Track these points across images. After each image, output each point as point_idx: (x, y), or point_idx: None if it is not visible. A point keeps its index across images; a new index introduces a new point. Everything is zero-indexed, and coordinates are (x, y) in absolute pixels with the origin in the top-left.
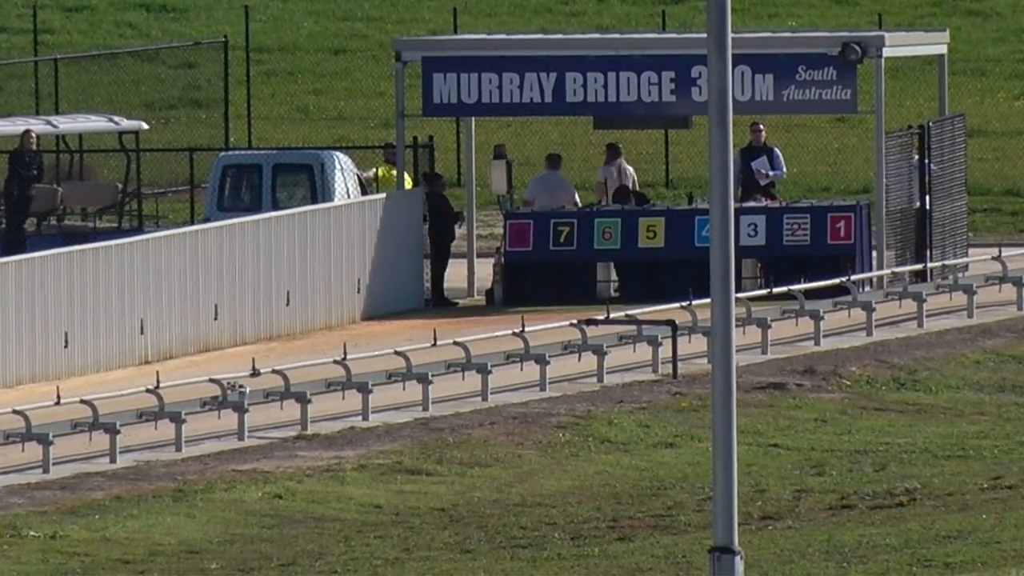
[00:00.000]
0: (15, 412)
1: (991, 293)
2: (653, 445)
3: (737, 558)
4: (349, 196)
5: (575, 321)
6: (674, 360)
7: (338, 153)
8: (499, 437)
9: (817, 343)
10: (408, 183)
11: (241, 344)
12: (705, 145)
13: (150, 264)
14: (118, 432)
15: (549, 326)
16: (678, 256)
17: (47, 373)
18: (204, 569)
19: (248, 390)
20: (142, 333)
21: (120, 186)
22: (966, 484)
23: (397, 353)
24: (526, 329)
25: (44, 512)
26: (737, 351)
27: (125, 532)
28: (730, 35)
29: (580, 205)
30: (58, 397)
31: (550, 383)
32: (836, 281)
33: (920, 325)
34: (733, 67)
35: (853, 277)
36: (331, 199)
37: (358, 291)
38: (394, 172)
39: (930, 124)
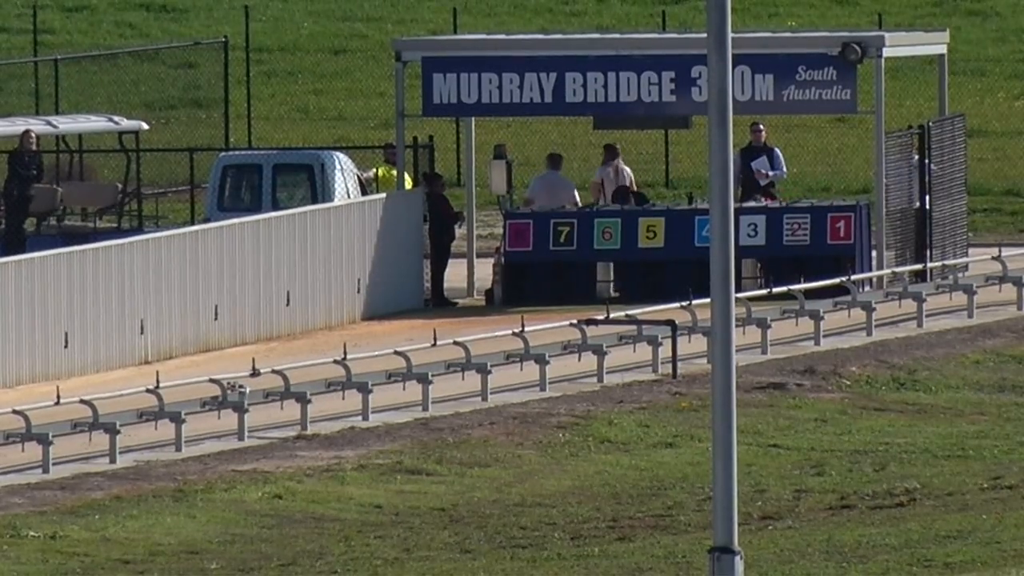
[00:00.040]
0: (15, 412)
1: (991, 293)
2: (653, 445)
3: (737, 558)
4: (349, 196)
5: (575, 321)
6: (674, 360)
7: (338, 153)
8: (499, 437)
9: (817, 343)
10: (408, 183)
11: (241, 344)
12: (705, 145)
13: (150, 264)
14: (118, 432)
15: (549, 326)
16: (678, 256)
17: (47, 373)
18: (204, 569)
19: (248, 390)
20: (142, 333)
21: (120, 186)
22: (966, 484)
23: (397, 353)
24: (526, 329)
25: (44, 512)
26: (737, 351)
27: (125, 532)
28: (730, 35)
29: (580, 205)
30: (58, 397)
31: (550, 383)
32: (836, 281)
33: (920, 325)
34: (733, 67)
35: (853, 277)
36: (331, 199)
37: (358, 291)
38: (394, 172)
39: (930, 124)
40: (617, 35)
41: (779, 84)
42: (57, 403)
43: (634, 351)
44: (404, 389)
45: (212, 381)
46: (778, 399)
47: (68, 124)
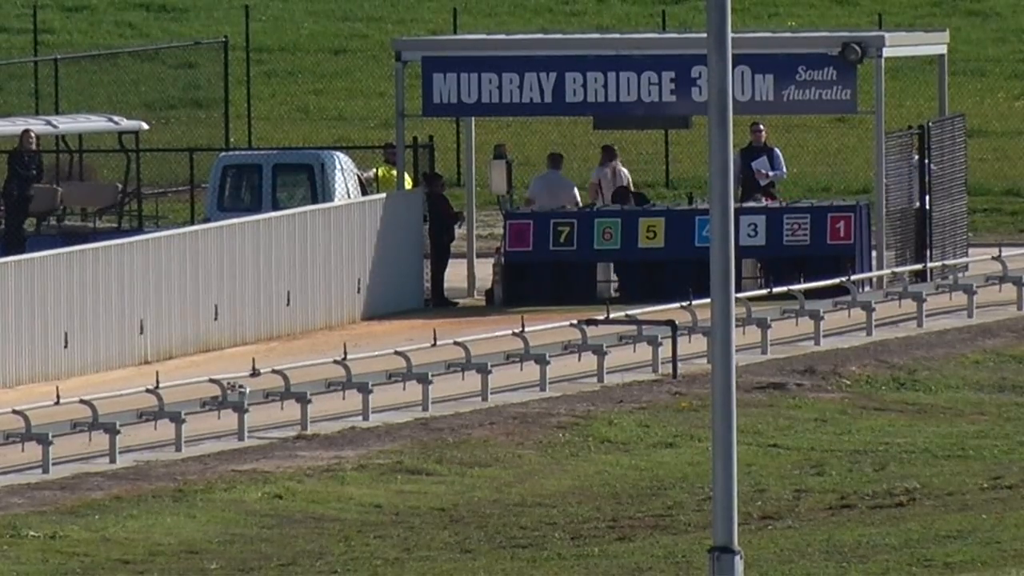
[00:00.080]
0: (15, 412)
1: (991, 293)
2: (653, 445)
3: (737, 558)
4: (349, 196)
5: (575, 321)
6: (674, 360)
7: (338, 153)
8: (499, 437)
9: (817, 343)
10: (408, 183)
11: (241, 344)
12: (705, 145)
13: (150, 264)
14: (118, 432)
15: (549, 326)
16: (678, 256)
17: (47, 373)
18: (204, 569)
19: (248, 390)
20: (142, 333)
21: (120, 186)
22: (966, 484)
23: (397, 353)
24: (526, 329)
25: (44, 512)
26: (737, 351)
27: (125, 532)
28: (730, 35)
29: (581, 204)
30: (58, 397)
31: (550, 383)
32: (836, 281)
33: (920, 325)
34: (733, 67)
35: (853, 277)
36: (331, 199)
37: (358, 291)
38: (394, 172)
39: (930, 124)
40: (617, 35)
41: (779, 84)
42: (57, 403)
43: (634, 351)
44: (404, 389)
45: (212, 381)
46: (778, 399)
47: (68, 124)
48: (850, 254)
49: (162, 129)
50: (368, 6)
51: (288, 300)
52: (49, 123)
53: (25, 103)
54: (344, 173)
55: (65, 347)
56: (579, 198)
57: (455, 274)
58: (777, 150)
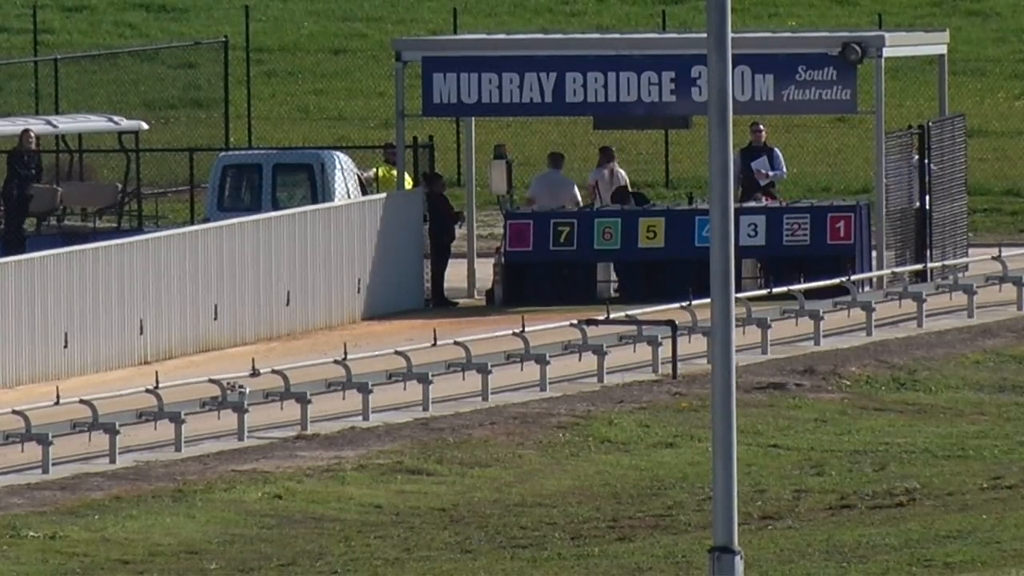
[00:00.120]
0: (15, 412)
1: (991, 293)
2: (653, 445)
3: (737, 558)
4: (349, 196)
5: (575, 321)
6: (674, 360)
7: (338, 153)
8: (499, 437)
9: (817, 343)
10: (408, 183)
11: (241, 344)
12: (705, 145)
13: (150, 264)
14: (118, 432)
15: (549, 326)
16: (678, 256)
17: (47, 373)
18: (204, 569)
19: (248, 390)
20: (142, 333)
21: (120, 186)
22: (966, 484)
23: (397, 353)
24: (526, 329)
25: (44, 512)
26: (737, 351)
27: (125, 532)
28: (730, 35)
29: (581, 204)
30: (57, 397)
31: (550, 383)
32: (836, 281)
33: (920, 325)
34: (733, 67)
35: (853, 277)
36: (331, 199)
37: (358, 291)
38: (394, 172)
39: (930, 124)
40: (617, 35)
41: (779, 84)
42: (57, 403)
43: (634, 351)
44: (404, 389)
45: (212, 381)
46: (778, 399)
47: (68, 124)
48: (850, 254)
49: (162, 129)
50: (368, 6)
51: (288, 300)
52: (49, 123)
53: (25, 103)
54: (344, 173)
55: (65, 347)
56: (580, 197)
57: (455, 274)
58: (777, 150)
